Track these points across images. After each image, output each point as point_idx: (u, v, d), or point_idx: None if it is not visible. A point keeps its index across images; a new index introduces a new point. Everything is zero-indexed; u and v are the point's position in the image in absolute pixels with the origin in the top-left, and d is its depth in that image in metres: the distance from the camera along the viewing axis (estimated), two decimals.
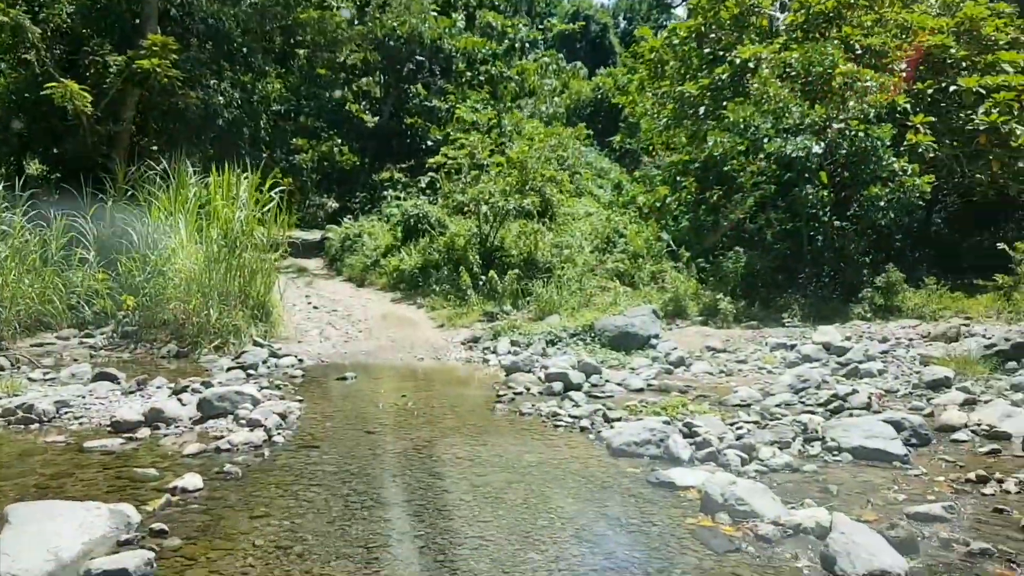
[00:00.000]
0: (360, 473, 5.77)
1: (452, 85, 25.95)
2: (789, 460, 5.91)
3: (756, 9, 16.99)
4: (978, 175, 14.97)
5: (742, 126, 14.42)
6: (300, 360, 11.22)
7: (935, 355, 9.52)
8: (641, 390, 9.01)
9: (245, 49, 21.77)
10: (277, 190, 13.39)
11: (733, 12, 17.23)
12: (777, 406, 7.99)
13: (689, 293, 14.35)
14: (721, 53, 17.58)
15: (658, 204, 19.23)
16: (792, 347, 10.75)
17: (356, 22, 23.74)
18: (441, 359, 11.75)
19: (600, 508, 5.00)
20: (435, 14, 24.67)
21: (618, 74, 33.74)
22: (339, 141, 31.90)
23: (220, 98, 20.65)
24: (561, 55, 33.41)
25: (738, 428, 6.79)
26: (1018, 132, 13.81)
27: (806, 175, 14.86)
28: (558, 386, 8.86)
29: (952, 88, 14.93)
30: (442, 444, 6.63)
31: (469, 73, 26.68)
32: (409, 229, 18.31)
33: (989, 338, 9.49)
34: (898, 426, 6.45)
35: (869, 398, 7.85)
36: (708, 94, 17.16)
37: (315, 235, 30.01)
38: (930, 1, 16.30)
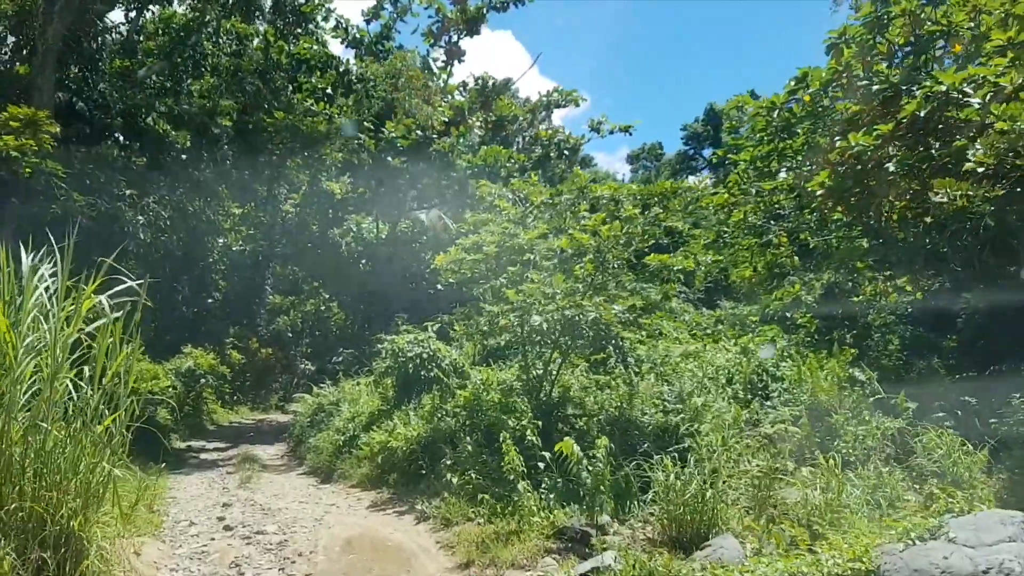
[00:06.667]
0: None
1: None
2: None
3: (945, 29, 10.84)
4: None
5: None
6: None
7: None
8: None
9: (183, 156, 15.75)
10: (112, 292, 6.35)
11: (906, 34, 11.06)
12: None
13: (975, 474, 6.95)
14: (906, 87, 11.22)
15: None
16: None
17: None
18: None
19: None
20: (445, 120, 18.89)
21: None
22: (326, 296, 25.47)
23: (140, 217, 14.30)
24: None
25: None
26: None
27: None
28: None
29: None
30: None
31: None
32: (407, 381, 11.17)
33: None
34: None
35: None
36: (893, 141, 10.61)
37: None
38: None
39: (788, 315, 16.65)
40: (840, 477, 6.69)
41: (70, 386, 5.96)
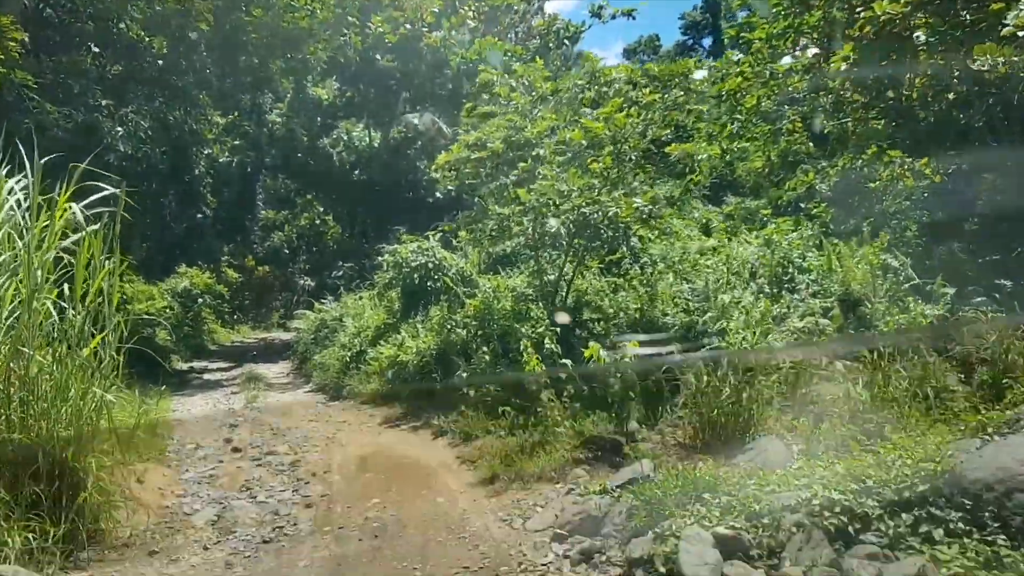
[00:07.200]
0: None
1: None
2: None
3: None
4: None
5: None
6: None
7: None
8: None
9: (159, 62, 14.69)
10: (89, 201, 5.67)
11: None
12: None
13: None
14: None
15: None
16: None
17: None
18: None
19: None
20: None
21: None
22: (321, 209, 24.72)
23: (119, 128, 13.39)
24: None
25: None
26: None
27: None
28: None
29: None
30: None
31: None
32: (412, 292, 10.68)
33: None
34: None
35: None
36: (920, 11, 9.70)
37: None
38: None
39: (801, 206, 16.00)
40: (886, 369, 6.26)
41: (51, 308, 5.44)
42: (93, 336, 5.59)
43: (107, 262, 5.74)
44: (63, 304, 5.52)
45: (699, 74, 13.34)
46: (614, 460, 5.93)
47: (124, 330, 5.70)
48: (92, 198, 5.63)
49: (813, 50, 13.27)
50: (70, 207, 5.51)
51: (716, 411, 6.15)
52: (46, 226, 5.65)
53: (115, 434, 5.67)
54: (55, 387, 5.31)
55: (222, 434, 8.80)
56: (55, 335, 5.48)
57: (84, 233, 5.49)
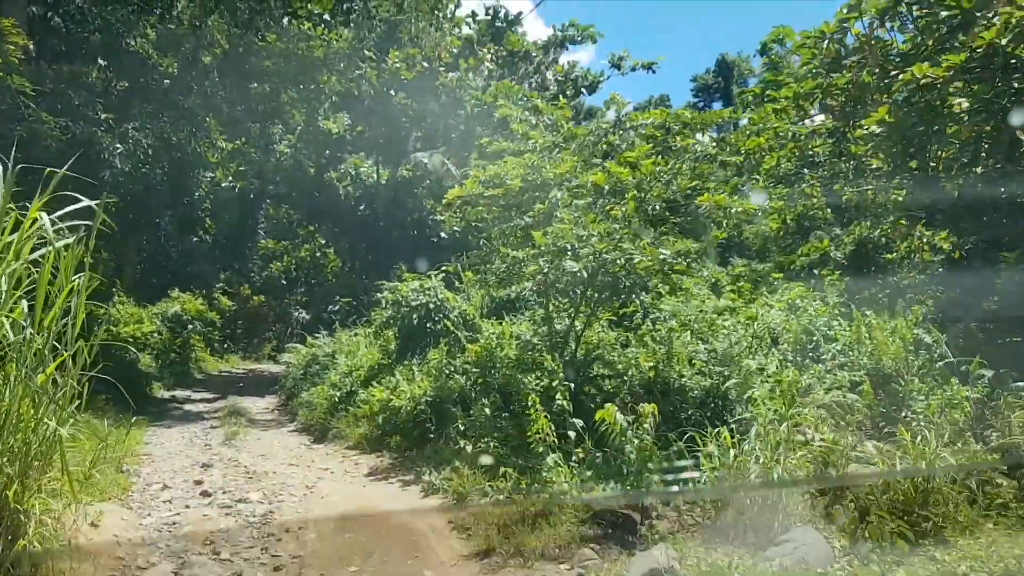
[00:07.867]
0: None
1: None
2: None
3: None
4: None
5: None
6: None
7: None
8: None
9: (166, 81, 14.32)
10: (64, 212, 5.11)
11: None
12: None
13: None
14: (981, 14, 9.86)
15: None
16: None
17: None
18: None
19: None
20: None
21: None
22: (322, 242, 24.24)
23: (119, 144, 12.90)
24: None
25: None
26: None
27: None
28: None
29: None
30: None
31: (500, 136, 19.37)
32: (410, 333, 10.09)
33: None
34: None
35: None
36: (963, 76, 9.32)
37: None
38: None
39: (814, 272, 15.55)
40: (932, 455, 5.64)
41: (8, 327, 4.84)
42: (54, 360, 4.99)
43: (77, 280, 5.17)
44: (24, 324, 4.93)
45: (705, 137, 12.89)
46: (627, 539, 5.27)
47: (87, 356, 5.09)
48: (67, 209, 5.07)
49: (820, 117, 12.92)
50: (40, 216, 4.95)
51: (743, 490, 5.51)
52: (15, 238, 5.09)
53: (67, 473, 5.01)
54: (2, 415, 4.69)
55: (193, 474, 8.12)
56: (13, 356, 4.87)
57: (51, 248, 4.92)
